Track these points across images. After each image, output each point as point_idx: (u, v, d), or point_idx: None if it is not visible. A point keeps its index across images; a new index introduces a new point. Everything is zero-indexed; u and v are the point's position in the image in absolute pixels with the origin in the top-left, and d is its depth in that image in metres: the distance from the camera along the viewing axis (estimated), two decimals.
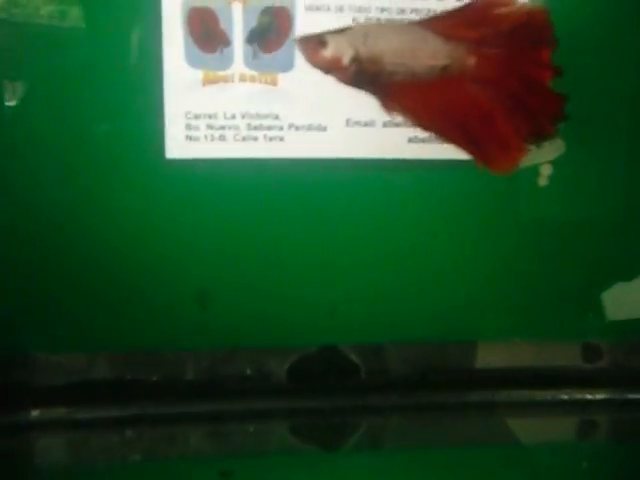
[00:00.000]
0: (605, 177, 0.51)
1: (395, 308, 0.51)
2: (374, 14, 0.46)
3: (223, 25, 0.46)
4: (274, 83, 0.47)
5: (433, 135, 0.44)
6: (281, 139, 0.48)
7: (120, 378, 0.50)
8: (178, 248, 0.48)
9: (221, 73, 0.47)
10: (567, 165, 0.49)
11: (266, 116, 0.48)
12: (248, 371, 0.51)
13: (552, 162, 0.49)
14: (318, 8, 0.46)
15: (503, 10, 0.41)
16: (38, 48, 0.45)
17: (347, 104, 0.47)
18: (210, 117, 0.47)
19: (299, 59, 0.46)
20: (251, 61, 0.47)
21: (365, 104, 0.43)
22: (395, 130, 0.48)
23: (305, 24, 0.46)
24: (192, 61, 0.46)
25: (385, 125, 0.48)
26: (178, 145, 0.47)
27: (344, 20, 0.45)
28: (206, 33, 0.46)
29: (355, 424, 0.51)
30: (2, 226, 0.47)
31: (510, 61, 0.41)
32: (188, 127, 0.47)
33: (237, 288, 0.49)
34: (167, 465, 0.47)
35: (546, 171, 0.49)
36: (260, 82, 0.47)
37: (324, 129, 0.48)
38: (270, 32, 0.46)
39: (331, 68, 0.44)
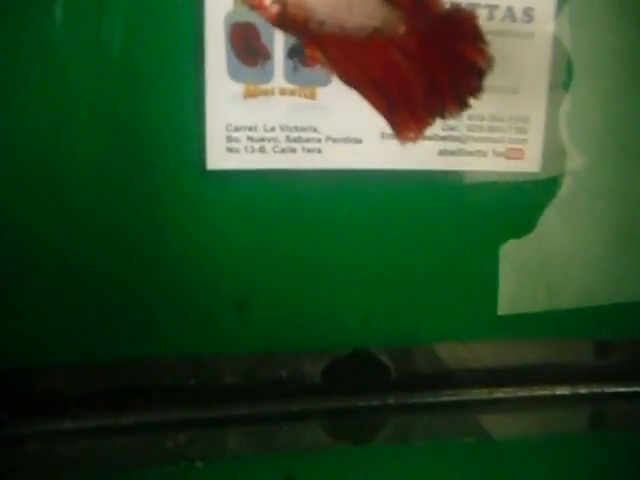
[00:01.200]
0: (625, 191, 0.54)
1: (424, 311, 0.53)
2: None
3: (264, 40, 0.47)
4: (313, 97, 0.49)
5: (354, 90, 0.44)
6: (319, 151, 0.49)
7: (159, 383, 0.52)
8: (218, 256, 0.50)
9: (262, 86, 0.48)
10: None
11: (304, 129, 0.49)
12: (284, 374, 0.53)
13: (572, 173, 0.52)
14: None
15: None
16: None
17: (382, 118, 0.48)
18: (250, 129, 0.48)
19: None
20: (291, 75, 0.48)
21: None
22: (426, 143, 0.50)
23: None
24: (234, 74, 0.47)
25: None
26: (219, 157, 0.48)
27: None
28: (247, 47, 0.47)
29: (385, 421, 0.54)
30: (38, 235, 0.48)
31: (434, 40, 0.41)
32: (229, 139, 0.48)
33: (274, 295, 0.51)
34: (211, 466, 0.49)
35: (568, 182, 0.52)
36: (299, 96, 0.48)
37: (360, 141, 0.50)
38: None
39: (254, 5, 0.44)
